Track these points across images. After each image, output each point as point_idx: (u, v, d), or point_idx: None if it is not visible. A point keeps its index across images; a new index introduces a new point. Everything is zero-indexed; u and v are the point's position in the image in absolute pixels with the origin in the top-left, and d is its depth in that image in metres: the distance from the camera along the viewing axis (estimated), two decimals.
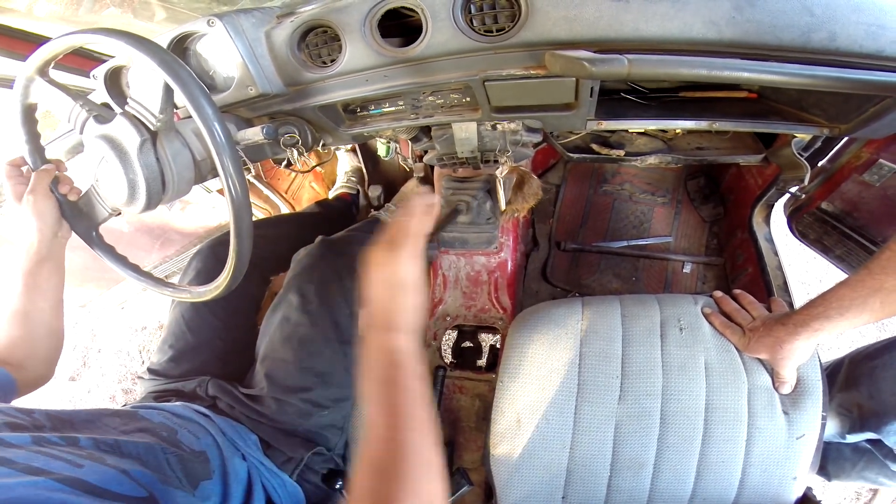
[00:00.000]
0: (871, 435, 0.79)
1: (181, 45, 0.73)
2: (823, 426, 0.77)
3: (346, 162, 1.68)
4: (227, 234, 1.07)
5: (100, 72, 0.75)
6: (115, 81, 0.76)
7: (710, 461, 0.78)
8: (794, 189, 1.13)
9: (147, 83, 0.61)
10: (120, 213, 0.75)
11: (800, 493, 0.78)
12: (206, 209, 1.52)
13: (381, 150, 1.11)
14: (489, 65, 0.63)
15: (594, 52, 0.50)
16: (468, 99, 0.73)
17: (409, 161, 1.16)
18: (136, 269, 0.77)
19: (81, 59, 0.96)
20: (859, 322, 0.67)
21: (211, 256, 1.05)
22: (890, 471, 0.82)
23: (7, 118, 0.73)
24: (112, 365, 2.18)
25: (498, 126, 0.80)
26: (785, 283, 1.21)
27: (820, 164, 1.06)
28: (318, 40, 0.68)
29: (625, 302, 0.91)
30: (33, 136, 0.75)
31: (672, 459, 0.79)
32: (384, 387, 0.49)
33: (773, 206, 1.28)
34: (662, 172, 1.58)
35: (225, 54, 0.69)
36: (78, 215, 0.76)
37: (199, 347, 0.97)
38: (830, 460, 0.92)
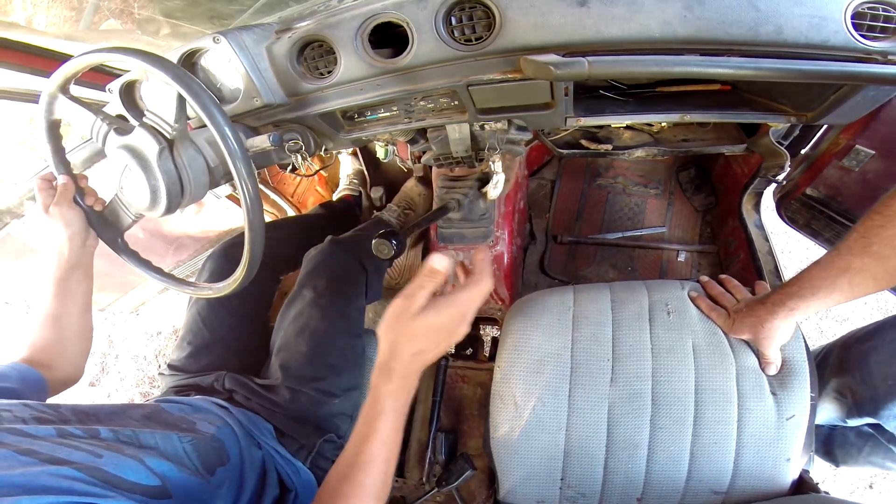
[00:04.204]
0: (870, 419, 0.80)
1: (189, 60, 0.79)
2: (814, 407, 0.77)
3: (348, 165, 1.74)
4: (236, 237, 1.14)
5: (115, 86, 0.79)
6: (129, 95, 0.80)
7: (703, 442, 0.79)
8: (780, 177, 1.16)
9: (161, 96, 0.67)
10: (143, 218, 0.80)
11: (795, 475, 0.77)
12: (216, 215, 1.59)
13: (380, 153, 1.16)
14: (471, 71, 0.67)
15: (562, 55, 0.55)
16: (456, 102, 0.78)
17: (408, 162, 1.21)
18: (159, 271, 0.83)
19: (93, 74, 1.02)
20: (831, 301, 0.68)
21: (223, 257, 1.11)
22: (895, 454, 0.82)
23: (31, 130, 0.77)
24: (130, 370, 2.25)
25: (486, 126, 0.84)
26: (776, 267, 1.23)
27: (803, 151, 1.09)
28: (315, 54, 0.73)
29: (614, 288, 0.93)
30: (58, 150, 0.80)
31: (665, 440, 0.80)
32: (362, 423, 0.60)
33: (761, 193, 1.30)
34: (654, 165, 1.61)
35: (230, 68, 0.75)
36: (104, 224, 0.81)
37: (215, 343, 1.03)
38: (837, 445, 0.93)
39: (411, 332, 0.59)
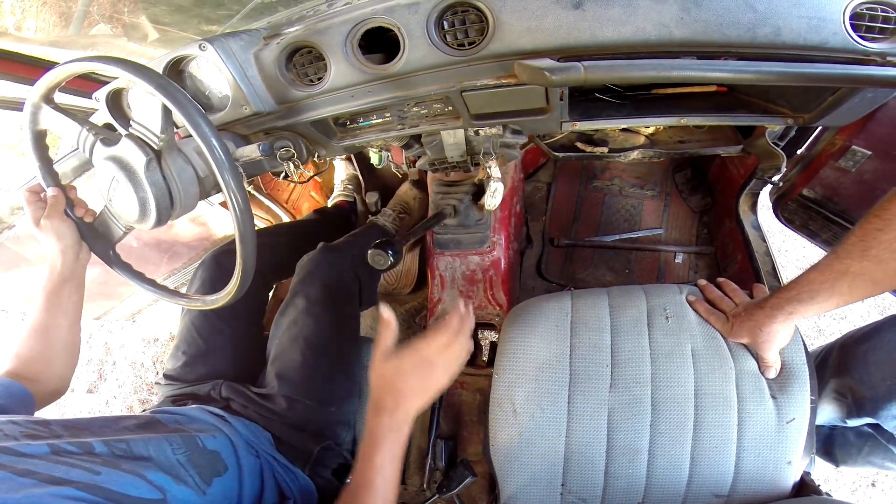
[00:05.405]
0: (870, 420, 0.80)
1: (176, 68, 0.77)
2: (814, 410, 0.77)
3: (342, 170, 1.73)
4: (229, 244, 1.12)
5: (101, 94, 0.78)
6: (116, 103, 0.79)
7: (704, 446, 0.79)
8: (776, 178, 1.15)
9: (147, 105, 0.65)
10: (133, 229, 0.79)
11: (797, 478, 0.78)
12: (210, 222, 1.57)
13: (374, 159, 1.15)
14: (465, 76, 0.66)
15: (557, 59, 0.54)
16: (450, 108, 0.76)
17: (402, 167, 1.20)
18: (152, 283, 0.81)
19: (80, 81, 1.00)
20: (831, 305, 0.68)
21: (214, 266, 1.09)
22: (894, 455, 0.82)
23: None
24: (128, 376, 2.24)
25: (481, 131, 0.83)
26: (773, 268, 1.23)
27: (799, 152, 1.09)
28: (304, 60, 0.72)
29: (612, 293, 0.93)
30: (45, 161, 0.79)
31: (665, 445, 0.80)
32: (363, 459, 0.65)
33: (758, 194, 1.30)
34: (650, 166, 1.61)
35: (218, 75, 0.73)
36: (95, 236, 0.80)
37: (210, 352, 1.02)
38: (837, 445, 0.93)
39: (383, 375, 0.68)
